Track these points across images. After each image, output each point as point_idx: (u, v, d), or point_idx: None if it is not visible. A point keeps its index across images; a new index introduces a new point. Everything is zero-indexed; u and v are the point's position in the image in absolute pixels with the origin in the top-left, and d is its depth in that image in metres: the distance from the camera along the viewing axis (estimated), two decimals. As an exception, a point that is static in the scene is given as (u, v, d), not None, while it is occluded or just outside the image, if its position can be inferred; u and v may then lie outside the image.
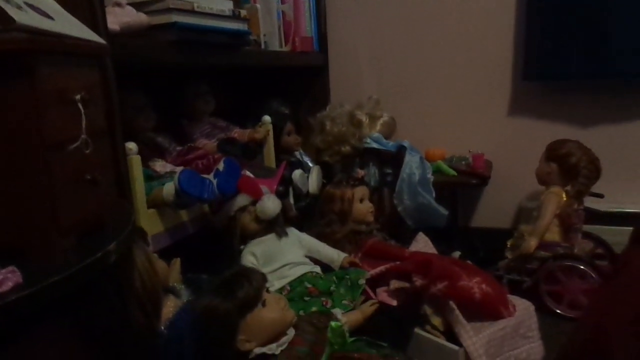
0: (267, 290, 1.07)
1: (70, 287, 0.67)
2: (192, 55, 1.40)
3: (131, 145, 1.22)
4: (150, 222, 1.29)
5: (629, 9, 1.81)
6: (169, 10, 1.28)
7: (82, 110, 0.75)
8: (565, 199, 1.81)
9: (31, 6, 0.73)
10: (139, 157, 1.24)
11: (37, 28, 0.67)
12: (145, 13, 1.29)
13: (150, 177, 1.41)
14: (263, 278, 1.05)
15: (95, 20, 1.07)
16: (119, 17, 1.21)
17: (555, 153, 1.84)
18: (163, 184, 1.33)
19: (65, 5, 1.05)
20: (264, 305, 1.02)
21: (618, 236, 1.73)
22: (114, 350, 0.86)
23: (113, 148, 1.15)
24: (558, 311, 1.75)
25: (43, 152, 0.68)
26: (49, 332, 0.79)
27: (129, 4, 1.27)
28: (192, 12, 1.35)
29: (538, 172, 1.90)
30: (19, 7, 0.68)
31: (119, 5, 1.23)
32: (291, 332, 1.05)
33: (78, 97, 0.75)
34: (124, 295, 0.96)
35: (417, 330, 1.37)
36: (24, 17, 0.65)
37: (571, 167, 1.80)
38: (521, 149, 2.14)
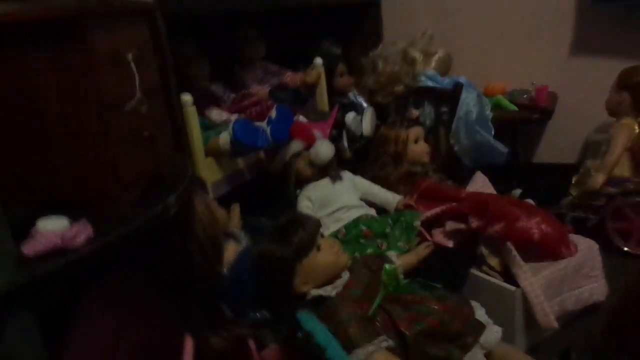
0: (322, 235, 1.10)
1: (135, 238, 0.72)
2: (240, 1, 1.38)
3: (187, 97, 1.26)
4: (208, 171, 1.34)
5: None
6: (213, -44, 1.26)
7: (135, 69, 0.77)
8: (637, 131, 1.69)
9: (77, -32, 0.75)
10: (194, 108, 1.27)
11: (85, -8, 0.69)
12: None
13: (207, 126, 1.45)
14: (317, 224, 1.08)
15: (142, -26, 1.08)
16: (165, -32, 1.20)
17: (629, 81, 1.71)
18: (219, 133, 1.37)
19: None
20: (318, 249, 1.05)
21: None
22: (180, 293, 0.93)
23: (168, 101, 1.18)
24: (626, 249, 1.69)
25: (101, 111, 0.71)
26: (119, 277, 0.86)
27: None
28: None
29: (608, 102, 1.78)
30: (66, -29, 0.70)
31: (163, -45, 1.22)
32: (346, 275, 1.09)
33: (130, 56, 0.77)
34: (187, 242, 1.03)
35: (473, 270, 1.37)
36: (71, -18, 0.67)
37: (646, 96, 1.67)
38: (589, 79, 2.00)
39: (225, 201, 1.40)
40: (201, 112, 1.57)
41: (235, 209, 1.35)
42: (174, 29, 1.53)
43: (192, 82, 1.59)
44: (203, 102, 1.60)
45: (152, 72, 0.86)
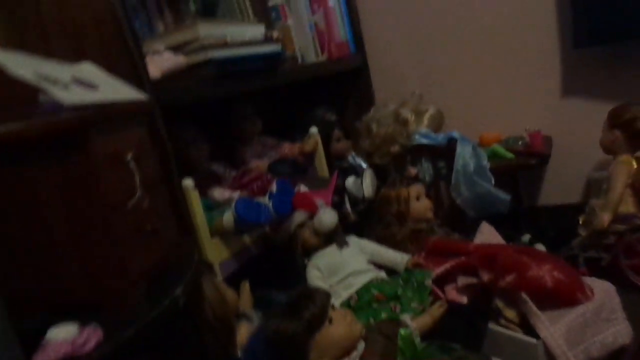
0: (333, 307, 1.09)
1: (145, 335, 0.73)
2: (232, 85, 1.45)
3: (188, 182, 1.29)
4: (216, 251, 1.36)
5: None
6: (203, 48, 1.33)
7: (135, 169, 0.81)
8: (635, 166, 1.70)
9: (77, 80, 0.80)
10: (196, 192, 1.31)
11: (84, 103, 0.73)
12: (183, 54, 1.36)
13: (210, 207, 1.48)
14: (327, 296, 1.08)
15: (138, 72, 1.14)
16: (159, 64, 1.28)
17: (619, 119, 1.74)
18: (222, 213, 1.39)
19: (108, 62, 1.13)
20: (330, 322, 1.05)
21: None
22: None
23: (171, 189, 1.22)
24: (644, 286, 1.66)
25: (104, 213, 0.74)
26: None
27: (167, 49, 1.34)
28: (225, 45, 1.40)
29: (602, 141, 1.81)
30: (66, 86, 0.75)
31: (157, 52, 1.30)
32: (361, 346, 1.07)
33: (129, 156, 0.81)
34: (198, 327, 1.03)
35: (491, 325, 1.34)
36: (71, 97, 0.71)
37: (637, 132, 1.69)
38: (581, 120, 2.03)
39: (234, 279, 1.41)
40: (204, 193, 1.61)
41: (245, 286, 1.35)
42: (172, 115, 1.60)
43: (194, 164, 1.64)
44: (205, 183, 1.64)
45: (152, 166, 0.90)
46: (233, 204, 1.29)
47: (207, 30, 1.35)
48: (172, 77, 1.30)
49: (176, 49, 1.36)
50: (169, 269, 0.88)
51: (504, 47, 2.11)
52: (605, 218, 1.69)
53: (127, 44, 1.13)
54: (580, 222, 1.82)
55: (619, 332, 1.34)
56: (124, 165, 0.79)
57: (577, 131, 2.05)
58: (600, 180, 1.87)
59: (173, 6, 1.55)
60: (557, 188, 2.18)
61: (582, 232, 1.80)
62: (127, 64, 1.14)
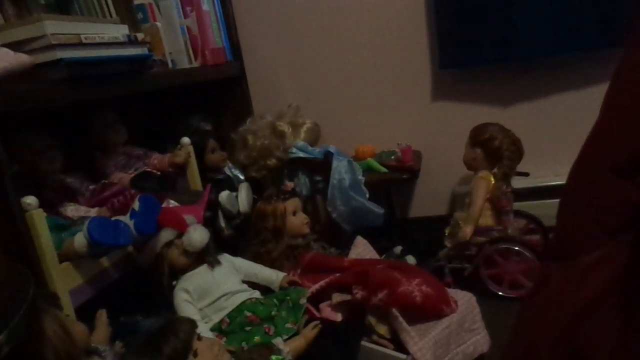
0: (199, 337, 1.00)
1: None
2: (87, 90, 1.30)
3: (29, 200, 1.11)
4: (65, 278, 1.19)
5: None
6: (51, 46, 1.17)
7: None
8: (493, 182, 1.84)
9: None
10: (40, 211, 1.13)
11: None
12: (27, 52, 1.17)
13: (62, 226, 1.30)
14: (191, 326, 0.99)
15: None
16: (-7, 62, 1.09)
17: (478, 138, 1.86)
18: (75, 234, 1.23)
19: None
20: (195, 355, 0.96)
21: (546, 209, 1.78)
22: None
23: (7, 207, 1.04)
24: (500, 293, 1.79)
25: None
26: None
27: (5, 44, 1.15)
28: (80, 44, 1.24)
29: (465, 158, 1.93)
30: None
31: (-9, 48, 1.11)
32: (229, 378, 1.00)
33: None
34: (36, 374, 0.88)
35: (363, 342, 1.35)
36: None
37: (495, 151, 1.82)
38: (447, 137, 2.16)
39: (91, 307, 1.25)
40: (56, 210, 1.42)
41: (101, 317, 1.21)
42: (21, 122, 1.40)
43: (45, 177, 1.45)
44: (58, 198, 1.45)
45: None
46: (85, 225, 1.14)
47: (57, 27, 1.19)
48: (12, 78, 1.12)
49: (18, 45, 1.17)
50: (-9, 311, 0.73)
51: (379, 63, 2.18)
52: (467, 231, 1.79)
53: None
54: (446, 234, 1.93)
55: (478, 341, 1.42)
56: None
57: (443, 147, 2.18)
58: (463, 194, 2.00)
59: (17, -5, 1.35)
60: (427, 201, 2.29)
61: (448, 243, 1.90)
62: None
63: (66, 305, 1.14)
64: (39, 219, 1.13)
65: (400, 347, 1.32)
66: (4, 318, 0.71)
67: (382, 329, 1.36)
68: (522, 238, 1.83)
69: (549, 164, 2.06)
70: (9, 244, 1.05)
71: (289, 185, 1.80)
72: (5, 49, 1.13)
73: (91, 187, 1.52)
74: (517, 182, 1.92)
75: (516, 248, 1.74)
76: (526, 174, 1.93)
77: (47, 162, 1.45)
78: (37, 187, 1.36)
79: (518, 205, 1.92)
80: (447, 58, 2.03)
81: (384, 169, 2.00)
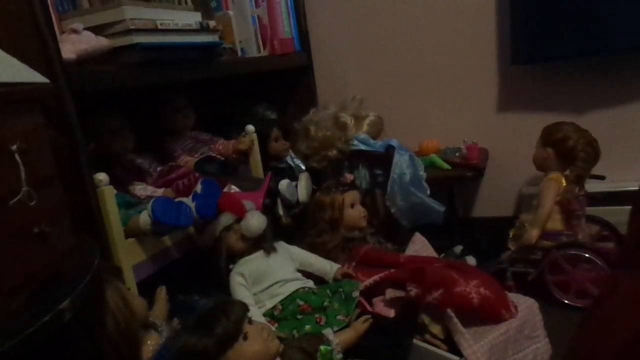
0: (250, 321, 1.02)
1: (20, 352, 0.63)
2: (160, 74, 1.35)
3: (101, 177, 1.17)
4: (130, 253, 1.24)
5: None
6: (129, 31, 1.22)
7: (20, 161, 0.70)
8: (564, 184, 1.74)
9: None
10: (110, 188, 1.19)
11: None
12: (106, 36, 1.24)
13: (130, 203, 1.37)
14: (243, 309, 1.01)
15: (47, 52, 1.02)
16: (76, 45, 1.15)
17: (551, 137, 1.77)
18: (141, 212, 1.28)
19: (12, 38, 1.00)
20: (245, 338, 0.97)
21: (622, 216, 1.66)
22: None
23: (81, 182, 1.10)
24: (566, 302, 1.69)
25: (-23, 212, 0.63)
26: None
27: (87, 28, 1.21)
28: (155, 30, 1.29)
29: (535, 158, 1.84)
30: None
31: (75, 31, 1.17)
32: (277, 363, 1.01)
33: (14, 147, 0.70)
34: (97, 341, 0.92)
35: (415, 340, 1.31)
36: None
37: (568, 151, 1.72)
38: (516, 135, 2.07)
39: (151, 283, 1.31)
40: (126, 188, 1.49)
41: (161, 293, 1.26)
42: (92, 102, 1.47)
43: (117, 156, 1.52)
44: (128, 177, 1.52)
45: (45, 163, 0.78)
46: (149, 204, 1.19)
47: (134, 12, 1.24)
48: (91, 60, 1.18)
49: (99, 29, 1.24)
50: (58, 279, 0.77)
51: (447, 58, 2.12)
52: (533, 234, 1.71)
53: (36, 19, 1.01)
54: (511, 236, 1.85)
55: (539, 349, 1.35)
56: (6, 157, 0.69)
57: (511, 145, 2.08)
58: (531, 196, 1.90)
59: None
60: (491, 201, 2.21)
61: (512, 246, 1.82)
62: (35, 42, 1.01)
63: (129, 279, 1.20)
64: (109, 196, 1.18)
65: (454, 348, 1.28)
66: (69, 285, 0.75)
67: (436, 329, 1.32)
68: (593, 245, 1.71)
69: (627, 167, 1.93)
70: (79, 217, 1.11)
71: (349, 177, 1.79)
72: (88, 32, 1.19)
73: (159, 168, 1.59)
74: (592, 186, 1.81)
75: (586, 255, 1.63)
76: (602, 178, 1.80)
77: (121, 141, 1.51)
78: (109, 165, 1.43)
79: (592, 210, 1.81)
80: (521, 53, 1.93)
81: (447, 166, 1.95)
